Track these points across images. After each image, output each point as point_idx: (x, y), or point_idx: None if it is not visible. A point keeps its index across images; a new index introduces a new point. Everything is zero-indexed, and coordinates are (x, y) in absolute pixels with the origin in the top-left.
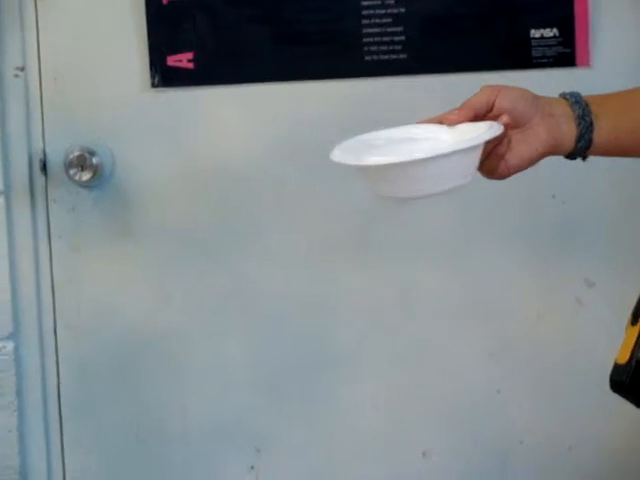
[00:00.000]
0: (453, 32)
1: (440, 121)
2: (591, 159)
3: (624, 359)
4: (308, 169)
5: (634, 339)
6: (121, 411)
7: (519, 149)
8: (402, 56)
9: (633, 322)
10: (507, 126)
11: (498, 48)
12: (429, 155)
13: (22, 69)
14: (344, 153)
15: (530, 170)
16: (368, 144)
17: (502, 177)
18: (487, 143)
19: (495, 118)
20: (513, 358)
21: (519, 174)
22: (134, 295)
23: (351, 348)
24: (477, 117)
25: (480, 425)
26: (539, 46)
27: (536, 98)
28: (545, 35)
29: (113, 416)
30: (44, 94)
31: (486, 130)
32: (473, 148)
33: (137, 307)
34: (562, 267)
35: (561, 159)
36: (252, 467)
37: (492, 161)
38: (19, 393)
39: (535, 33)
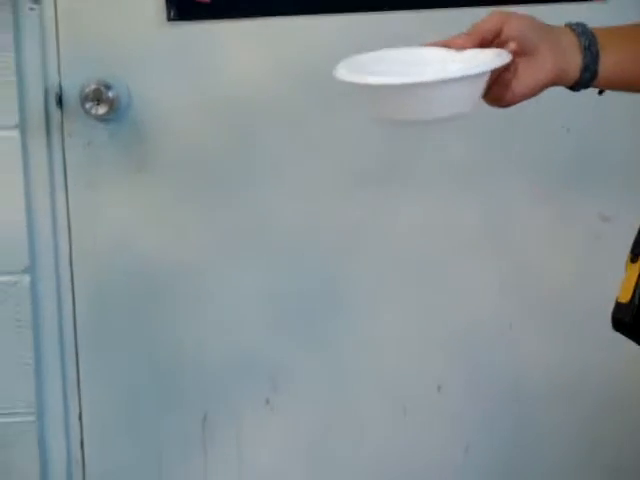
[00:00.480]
0: None
1: (447, 45)
2: (607, 93)
3: (626, 298)
4: (325, 102)
5: (635, 277)
6: (137, 345)
7: (525, 77)
8: None
9: (633, 260)
10: (514, 53)
11: None
12: (437, 78)
13: (37, 2)
14: (349, 71)
15: (545, 104)
16: (374, 62)
17: (508, 105)
18: (493, 70)
19: (502, 45)
20: (526, 293)
21: (534, 109)
22: (150, 229)
23: (366, 282)
24: (484, 43)
25: (493, 358)
26: None
27: (544, 27)
28: None
29: (129, 350)
30: (60, 27)
31: (494, 57)
32: (480, 75)
33: (153, 241)
34: (577, 201)
35: (576, 94)
36: (267, 401)
37: (499, 88)
38: (35, 327)
39: None
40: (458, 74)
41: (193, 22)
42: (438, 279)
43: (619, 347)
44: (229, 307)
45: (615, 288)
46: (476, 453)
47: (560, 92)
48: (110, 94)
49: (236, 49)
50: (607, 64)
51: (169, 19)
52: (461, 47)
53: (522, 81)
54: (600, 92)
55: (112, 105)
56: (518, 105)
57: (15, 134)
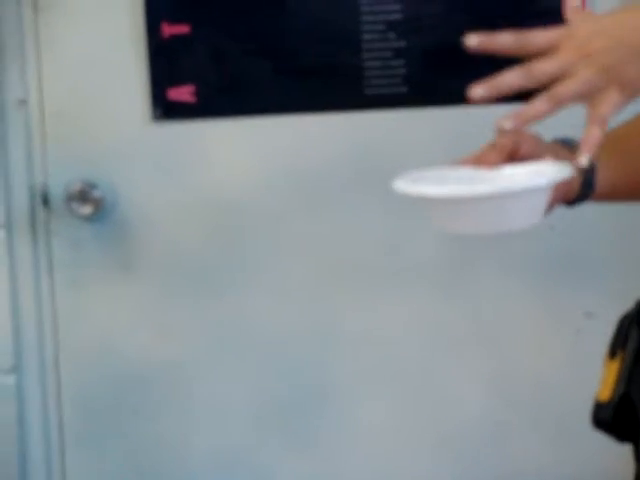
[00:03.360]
0: (454, 65)
1: (478, 162)
2: None
3: (605, 396)
4: (310, 201)
5: (614, 375)
6: (123, 445)
7: None
8: (403, 89)
9: (611, 356)
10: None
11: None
12: (531, 185)
13: (24, 102)
14: (425, 185)
15: None
16: (431, 180)
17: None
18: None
19: (520, 160)
20: (513, 390)
21: None
22: (135, 328)
23: (352, 381)
24: (507, 159)
25: (480, 457)
26: None
27: (548, 143)
28: None
29: (115, 450)
30: (46, 127)
31: (560, 167)
32: (549, 185)
33: (138, 340)
34: (561, 298)
35: None
36: None
37: None
38: (20, 426)
39: None
40: (545, 181)
41: (178, 121)
42: (425, 378)
43: (608, 444)
44: (214, 407)
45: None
46: None
47: None
48: (95, 194)
49: (221, 148)
50: (603, 176)
51: (155, 118)
52: (494, 164)
53: None
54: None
55: (98, 205)
56: None
57: (0, 233)
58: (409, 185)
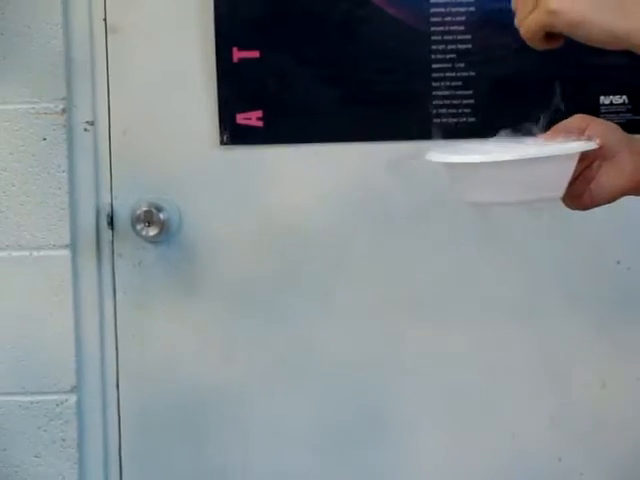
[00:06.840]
0: (522, 96)
1: None
2: None
3: None
4: (375, 228)
5: None
6: (182, 467)
7: (604, 181)
8: (471, 119)
9: None
10: (598, 150)
11: (568, 114)
12: (540, 154)
13: (92, 123)
14: (444, 154)
15: (595, 235)
16: (461, 149)
17: (585, 208)
18: (578, 163)
19: None
20: (576, 425)
21: (583, 239)
22: (197, 351)
23: (413, 410)
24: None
25: None
26: (608, 112)
27: (624, 134)
28: (615, 102)
29: (174, 472)
30: (113, 148)
31: (582, 143)
32: (571, 157)
33: (200, 363)
34: (628, 335)
35: (626, 225)
36: None
37: (578, 186)
38: (80, 446)
39: (605, 100)
40: (557, 152)
41: (246, 146)
42: (486, 409)
43: None
44: (275, 431)
45: None
46: None
47: (610, 224)
48: (161, 216)
49: (288, 174)
50: None
51: (222, 143)
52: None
53: (601, 185)
54: None
55: (163, 227)
56: (569, 238)
57: (66, 253)
58: (433, 154)
